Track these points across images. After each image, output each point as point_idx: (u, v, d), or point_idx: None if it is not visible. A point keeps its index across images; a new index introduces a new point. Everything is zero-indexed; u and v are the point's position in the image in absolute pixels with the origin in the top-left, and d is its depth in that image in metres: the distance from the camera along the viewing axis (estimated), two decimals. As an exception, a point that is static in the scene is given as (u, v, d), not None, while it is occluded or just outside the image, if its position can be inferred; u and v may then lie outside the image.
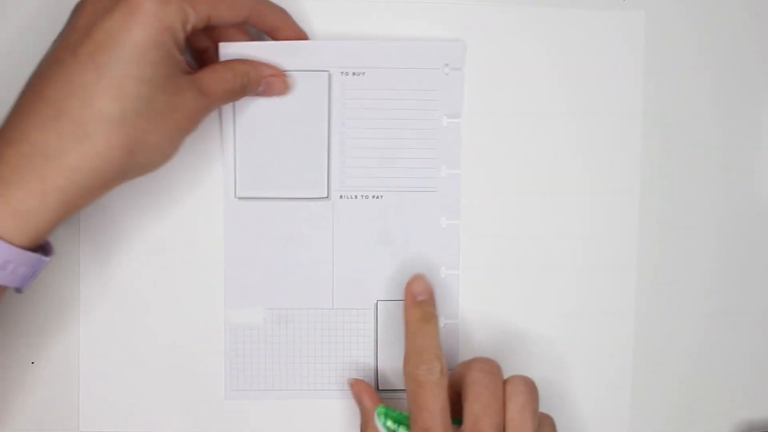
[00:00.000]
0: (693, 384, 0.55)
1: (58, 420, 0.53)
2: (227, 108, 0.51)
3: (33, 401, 0.52)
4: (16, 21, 0.51)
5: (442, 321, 0.53)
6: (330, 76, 0.51)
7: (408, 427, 0.44)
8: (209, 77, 0.44)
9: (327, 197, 0.52)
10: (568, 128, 0.53)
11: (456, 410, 0.43)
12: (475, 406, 0.41)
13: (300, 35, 0.49)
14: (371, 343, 0.53)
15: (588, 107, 0.53)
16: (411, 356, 0.43)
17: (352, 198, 0.52)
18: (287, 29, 0.48)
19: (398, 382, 0.53)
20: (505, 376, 0.44)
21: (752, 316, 0.55)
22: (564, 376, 0.54)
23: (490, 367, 0.43)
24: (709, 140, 0.54)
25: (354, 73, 0.51)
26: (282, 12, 0.47)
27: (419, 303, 0.47)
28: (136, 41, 0.38)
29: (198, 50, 0.49)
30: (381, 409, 0.46)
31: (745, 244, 0.55)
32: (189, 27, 0.40)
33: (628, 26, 0.53)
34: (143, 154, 0.40)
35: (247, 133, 0.51)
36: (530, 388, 0.43)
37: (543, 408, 0.44)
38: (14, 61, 0.50)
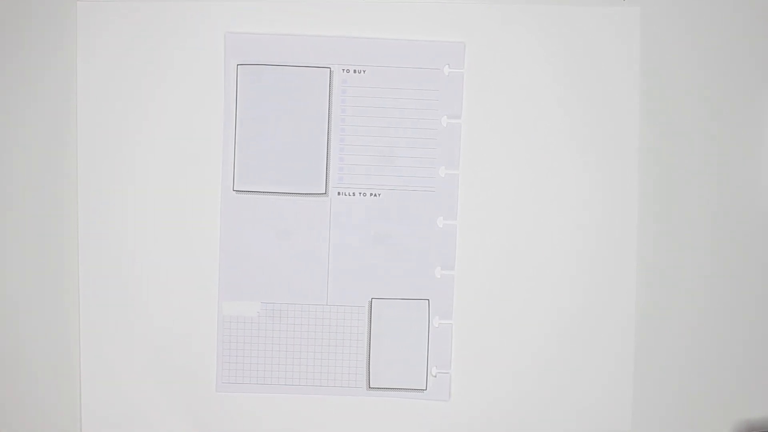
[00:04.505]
0: (693, 384, 0.55)
1: (58, 416, 0.53)
2: (228, 101, 0.52)
3: (34, 396, 0.53)
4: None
5: (437, 321, 0.53)
6: (331, 72, 0.51)
7: None
8: None
9: (325, 194, 0.52)
10: (566, 128, 0.53)
11: None
12: None
13: None
14: (364, 340, 0.53)
15: (586, 106, 0.53)
16: None
17: (349, 195, 0.53)
18: None
19: (389, 381, 0.53)
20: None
21: (752, 317, 0.55)
22: (564, 378, 0.54)
23: None
24: (705, 135, 0.54)
25: (355, 71, 0.52)
26: None
27: None
28: None
29: None
30: None
31: (744, 243, 0.55)
32: None
33: (624, 22, 0.53)
34: None
35: (247, 127, 0.52)
36: None
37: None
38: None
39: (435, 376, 0.53)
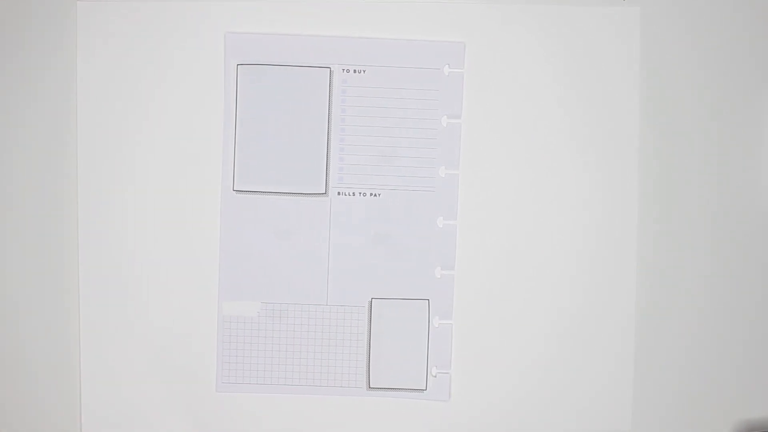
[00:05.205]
0: (693, 384, 0.55)
1: (58, 416, 0.53)
2: (228, 100, 0.52)
3: (34, 396, 0.53)
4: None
5: (437, 321, 0.53)
6: (331, 72, 0.52)
7: None
8: None
9: (324, 193, 0.52)
10: (566, 128, 0.53)
11: None
12: None
13: None
14: (364, 340, 0.53)
15: (586, 106, 0.53)
16: None
17: (349, 195, 0.53)
18: None
19: (389, 381, 0.53)
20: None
21: (752, 317, 0.55)
22: (564, 378, 0.54)
23: None
24: (705, 135, 0.54)
25: (355, 71, 0.52)
26: None
27: None
28: None
29: None
30: None
31: (744, 243, 0.55)
32: None
33: (624, 22, 0.53)
34: None
35: (247, 127, 0.52)
36: None
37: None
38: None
39: (435, 376, 0.53)
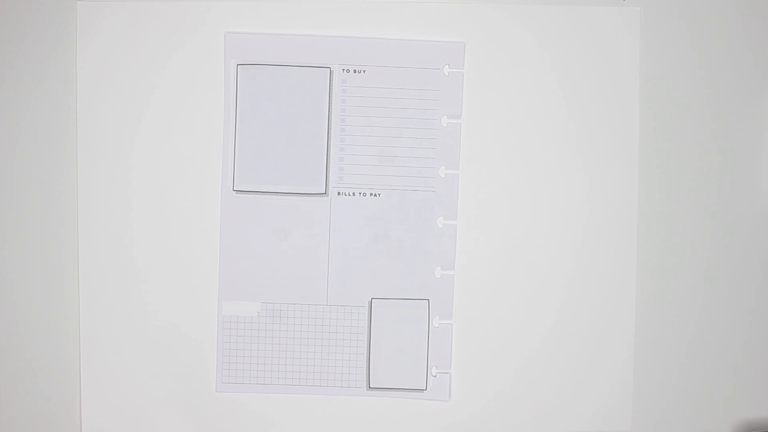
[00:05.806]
0: (693, 384, 0.55)
1: (58, 416, 0.53)
2: (228, 101, 0.52)
3: (34, 396, 0.53)
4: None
5: (437, 321, 0.53)
6: (331, 72, 0.52)
7: None
8: None
9: (324, 193, 0.52)
10: (566, 128, 0.53)
11: None
12: None
13: None
14: (364, 340, 0.53)
15: (586, 105, 0.53)
16: None
17: (349, 195, 0.53)
18: None
19: (389, 381, 0.53)
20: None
21: (752, 317, 0.55)
22: (564, 377, 0.54)
23: None
24: (705, 135, 0.54)
25: (355, 71, 0.52)
26: None
27: None
28: None
29: None
30: None
31: (744, 243, 0.55)
32: None
33: (624, 22, 0.53)
34: None
35: (247, 126, 0.52)
36: None
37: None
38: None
39: (435, 376, 0.53)
